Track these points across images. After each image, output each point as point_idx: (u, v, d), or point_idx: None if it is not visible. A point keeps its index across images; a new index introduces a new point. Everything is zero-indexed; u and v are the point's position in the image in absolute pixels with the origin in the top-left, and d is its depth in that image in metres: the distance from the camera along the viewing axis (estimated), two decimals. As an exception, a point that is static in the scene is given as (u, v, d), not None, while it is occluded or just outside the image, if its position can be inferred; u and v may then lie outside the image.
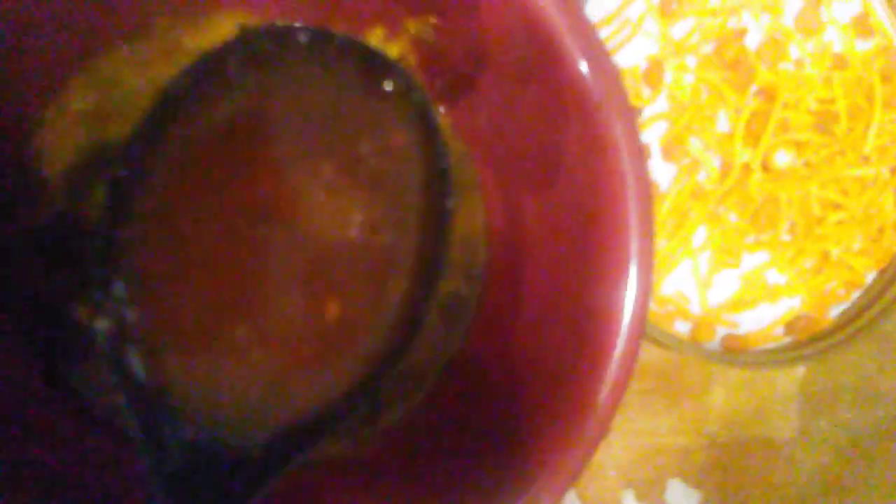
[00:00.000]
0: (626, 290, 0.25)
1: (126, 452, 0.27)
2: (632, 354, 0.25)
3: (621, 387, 0.25)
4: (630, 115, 0.26)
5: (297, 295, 0.24)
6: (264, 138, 0.23)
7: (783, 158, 0.38)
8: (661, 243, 0.38)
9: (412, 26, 0.28)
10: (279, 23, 0.27)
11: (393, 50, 0.29)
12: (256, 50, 0.22)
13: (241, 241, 0.23)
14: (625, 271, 0.25)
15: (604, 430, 0.25)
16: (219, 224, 0.23)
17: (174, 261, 0.23)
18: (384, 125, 0.24)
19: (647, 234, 0.25)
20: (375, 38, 0.29)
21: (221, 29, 0.29)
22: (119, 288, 0.22)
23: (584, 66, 0.26)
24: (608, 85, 0.26)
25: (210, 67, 0.21)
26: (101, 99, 0.27)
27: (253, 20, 0.29)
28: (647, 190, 0.25)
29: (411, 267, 0.25)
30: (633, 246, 0.25)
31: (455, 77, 0.30)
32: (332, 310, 0.24)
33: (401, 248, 0.25)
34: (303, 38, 0.23)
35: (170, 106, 0.21)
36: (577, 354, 0.25)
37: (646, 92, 0.38)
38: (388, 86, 0.24)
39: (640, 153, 0.26)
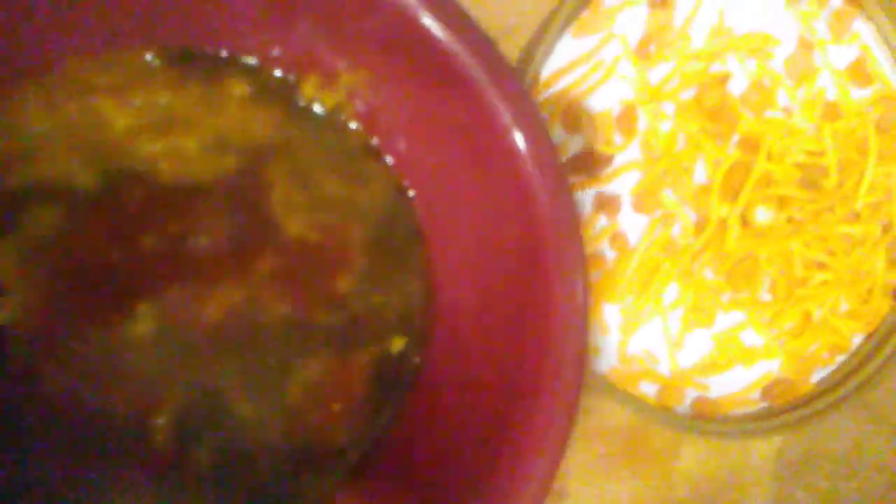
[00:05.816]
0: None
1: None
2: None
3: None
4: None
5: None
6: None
7: (764, 214, 0.36)
8: (628, 300, 0.36)
9: (346, 79, 0.26)
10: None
11: (328, 100, 0.27)
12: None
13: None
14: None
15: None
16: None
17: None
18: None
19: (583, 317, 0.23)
20: (311, 86, 0.27)
21: (129, 65, 0.27)
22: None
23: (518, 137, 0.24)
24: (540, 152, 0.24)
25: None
26: (9, 143, 0.25)
27: (163, 53, 0.27)
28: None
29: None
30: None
31: (394, 128, 0.28)
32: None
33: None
34: None
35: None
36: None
37: (618, 139, 0.36)
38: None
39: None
